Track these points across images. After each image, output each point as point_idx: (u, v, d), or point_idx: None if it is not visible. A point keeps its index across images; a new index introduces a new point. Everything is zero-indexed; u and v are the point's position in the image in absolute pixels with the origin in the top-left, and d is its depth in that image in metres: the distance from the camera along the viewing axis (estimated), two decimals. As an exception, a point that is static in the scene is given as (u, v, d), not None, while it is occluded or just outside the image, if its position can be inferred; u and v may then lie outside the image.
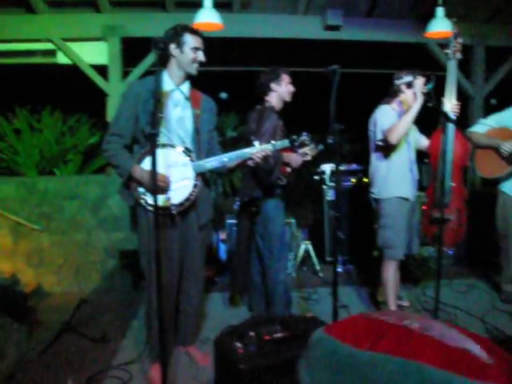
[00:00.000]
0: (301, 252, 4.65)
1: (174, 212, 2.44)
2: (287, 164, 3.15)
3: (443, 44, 2.93)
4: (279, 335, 2.04)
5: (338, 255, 4.68)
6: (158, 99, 2.09)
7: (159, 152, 2.39)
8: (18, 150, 4.84)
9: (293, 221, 4.64)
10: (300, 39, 4.96)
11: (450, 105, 2.89)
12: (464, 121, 4.54)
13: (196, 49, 2.49)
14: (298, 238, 4.73)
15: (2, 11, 4.49)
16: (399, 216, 3.18)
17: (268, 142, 2.58)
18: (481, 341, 0.66)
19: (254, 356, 1.90)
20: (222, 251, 4.70)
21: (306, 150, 3.01)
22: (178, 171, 2.43)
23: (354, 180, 4.89)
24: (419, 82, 3.08)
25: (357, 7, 4.84)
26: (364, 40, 5.03)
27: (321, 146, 3.05)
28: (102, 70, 4.65)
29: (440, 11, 4.14)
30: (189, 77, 2.57)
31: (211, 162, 2.49)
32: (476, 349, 0.59)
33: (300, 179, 5.12)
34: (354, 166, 5.00)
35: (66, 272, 4.34)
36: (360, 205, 4.05)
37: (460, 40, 2.81)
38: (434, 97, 2.93)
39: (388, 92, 3.27)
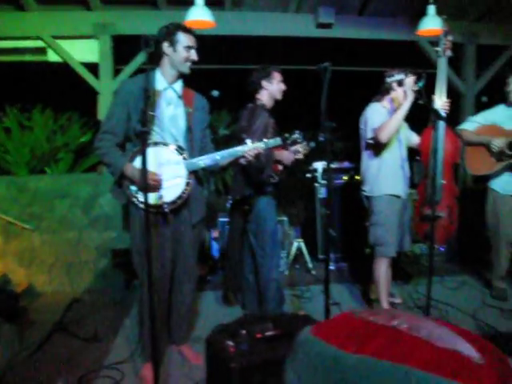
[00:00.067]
0: (293, 250, 4.66)
1: (166, 210, 2.44)
2: (279, 162, 3.15)
3: (434, 42, 2.94)
4: (271, 333, 2.04)
5: (330, 253, 4.68)
6: (148, 97, 2.08)
7: (151, 150, 2.39)
8: (9, 149, 4.80)
9: (285, 219, 4.65)
10: (292, 37, 4.96)
11: (441, 102, 2.90)
12: (455, 118, 4.56)
13: (189, 47, 2.49)
14: (290, 236, 4.74)
15: (-9, 8, 4.45)
16: (391, 213, 3.19)
17: (259, 139, 2.58)
18: (472, 339, 0.65)
19: (245, 354, 1.89)
20: (215, 249, 4.70)
21: (297, 147, 3.02)
22: (170, 169, 2.43)
23: (345, 178, 4.90)
24: (409, 80, 3.10)
25: (349, 5, 4.84)
26: (356, 38, 5.04)
27: (312, 144, 3.05)
28: (92, 68, 4.62)
29: (431, 9, 4.15)
30: (181, 75, 2.57)
31: (204, 160, 2.49)
32: (466, 348, 0.58)
33: (292, 177, 5.14)
34: (346, 164, 5.01)
35: (58, 271, 4.31)
36: (352, 202, 4.06)
37: (450, 38, 2.81)
38: (424, 94, 2.94)
39: (379, 90, 3.28)
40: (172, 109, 2.53)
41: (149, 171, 2.30)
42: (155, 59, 2.53)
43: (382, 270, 3.25)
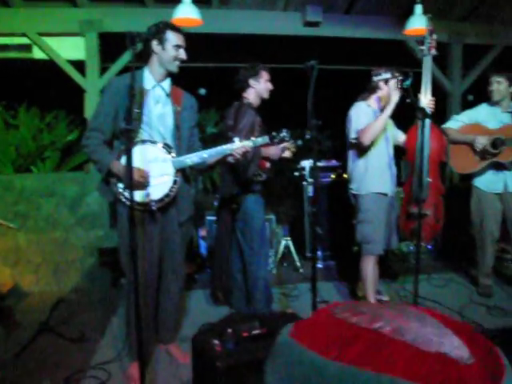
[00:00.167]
0: (281, 248, 4.66)
1: (153, 208, 2.44)
2: (266, 159, 3.15)
3: (421, 41, 2.96)
4: (258, 332, 2.04)
5: (317, 251, 4.69)
6: (133, 95, 2.07)
7: (139, 148, 2.40)
8: (-6, 147, 4.73)
9: (273, 217, 4.65)
10: (279, 35, 4.96)
11: (426, 100, 2.92)
12: (442, 117, 4.59)
13: (178, 46, 2.50)
14: (278, 235, 4.74)
15: (-26, 5, 4.38)
16: (378, 211, 3.21)
17: (246, 138, 2.59)
18: (461, 329, 0.63)
19: (231, 353, 1.89)
20: (203, 248, 4.69)
21: (285, 146, 3.03)
22: (157, 167, 2.43)
23: (333, 176, 4.91)
24: (393, 82, 3.11)
25: (336, 4, 4.84)
26: (343, 36, 5.04)
27: (300, 142, 3.05)
28: (79, 65, 4.57)
29: (418, 9, 4.17)
30: (170, 74, 2.57)
31: (191, 158, 2.49)
32: (455, 347, 0.56)
33: (280, 176, 5.14)
34: (333, 162, 5.02)
35: (44, 271, 4.27)
36: (340, 201, 4.08)
37: (435, 36, 2.84)
38: (412, 93, 2.96)
39: (366, 88, 3.29)
40: (160, 107, 2.54)
41: (135, 168, 2.30)
42: (144, 57, 2.53)
43: (370, 267, 3.26)
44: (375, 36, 5.09)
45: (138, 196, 2.39)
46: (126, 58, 4.62)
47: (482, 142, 3.49)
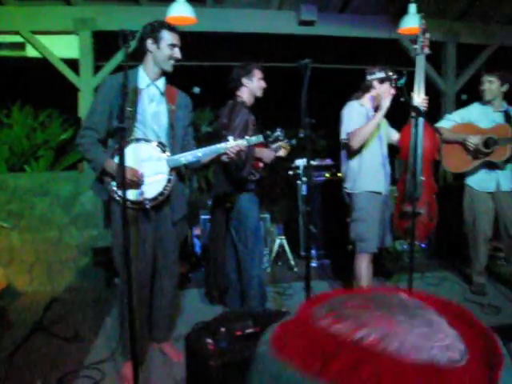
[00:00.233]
0: (275, 247, 4.67)
1: (147, 206, 2.44)
2: (260, 159, 3.15)
3: (414, 40, 2.97)
4: (251, 331, 2.04)
5: (311, 250, 4.70)
6: (126, 93, 2.06)
7: (133, 146, 2.40)
8: (-13, 146, 4.71)
9: (267, 216, 4.65)
10: (274, 34, 4.95)
11: (419, 99, 2.93)
12: (436, 116, 4.60)
13: (173, 45, 2.50)
14: (272, 233, 4.74)
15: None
16: (372, 210, 3.21)
17: (240, 136, 2.59)
18: (457, 316, 0.59)
19: (224, 352, 1.89)
20: (197, 247, 4.68)
21: (279, 145, 3.03)
22: (151, 166, 2.43)
23: (328, 175, 4.92)
24: (384, 89, 3.11)
25: (331, 3, 4.84)
26: (338, 35, 5.05)
27: (294, 142, 3.05)
28: (73, 64, 4.55)
29: (412, 8, 4.18)
30: (164, 73, 2.57)
31: (185, 157, 2.50)
32: (446, 347, 0.52)
33: (275, 174, 5.14)
34: (328, 161, 5.03)
35: (38, 271, 4.25)
36: (334, 200, 4.08)
37: (428, 35, 2.84)
38: (406, 92, 2.97)
39: (360, 87, 3.29)
40: (154, 106, 2.54)
41: (129, 167, 2.29)
42: (139, 56, 2.54)
43: (364, 265, 3.27)
44: (370, 35, 5.09)
45: (132, 194, 2.38)
46: (119, 56, 4.60)
47: (474, 141, 3.50)
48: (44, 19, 4.47)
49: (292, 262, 4.60)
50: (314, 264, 4.68)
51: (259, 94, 3.20)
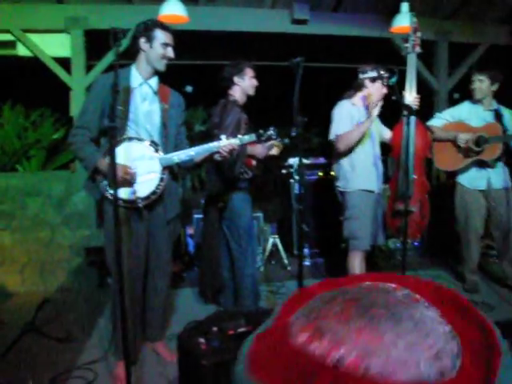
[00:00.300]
0: (269, 246, 4.66)
1: (140, 205, 2.43)
2: (252, 157, 3.14)
3: (405, 38, 2.97)
4: (243, 330, 2.04)
5: (304, 248, 4.70)
6: (116, 92, 2.05)
7: (125, 145, 2.39)
8: (-22, 146, 4.68)
9: (260, 215, 4.64)
10: (267, 33, 4.94)
11: (411, 98, 2.94)
12: (429, 115, 4.62)
13: (165, 45, 2.50)
14: (265, 232, 4.74)
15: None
16: (365, 207, 3.22)
17: (232, 135, 2.59)
18: (452, 304, 0.51)
19: (216, 351, 1.88)
20: (190, 246, 4.67)
21: (272, 144, 3.03)
22: (144, 164, 2.43)
23: (321, 173, 4.92)
24: (376, 87, 3.12)
25: (324, 1, 4.84)
26: (331, 34, 5.05)
27: (287, 141, 3.06)
28: (64, 63, 4.51)
29: (405, 7, 4.18)
30: (157, 72, 2.57)
31: (178, 156, 2.50)
32: (435, 357, 0.43)
33: (268, 173, 5.14)
34: (321, 160, 5.03)
35: (30, 271, 4.22)
36: (328, 198, 4.08)
37: (419, 34, 2.85)
38: (397, 90, 2.97)
39: (352, 86, 3.30)
40: (147, 105, 2.54)
41: (121, 165, 2.29)
42: (131, 55, 2.53)
43: (356, 263, 3.27)
44: (362, 34, 5.09)
45: (125, 193, 2.38)
46: (112, 55, 4.50)
47: (465, 140, 3.51)
48: (35, 17, 4.42)
49: (285, 261, 4.60)
50: (307, 263, 4.68)
51: (251, 92, 3.20)
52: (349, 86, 3.33)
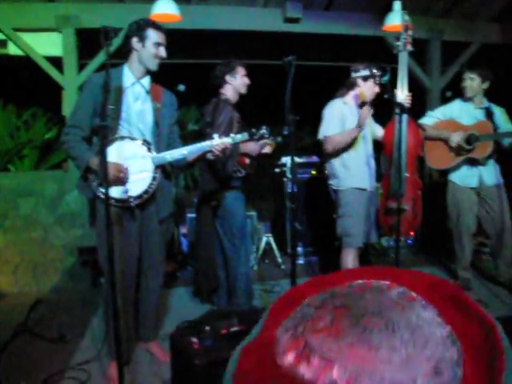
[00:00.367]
0: (262, 245, 4.66)
1: (132, 204, 2.43)
2: (246, 155, 3.14)
3: (397, 37, 2.98)
4: (236, 329, 2.04)
5: (298, 247, 4.70)
6: (107, 91, 2.04)
7: (118, 144, 2.39)
8: (-30, 146, 4.64)
9: (254, 214, 4.64)
10: (259, 31, 4.94)
11: (403, 96, 2.94)
12: (421, 113, 4.64)
13: (158, 44, 2.50)
14: (259, 231, 4.74)
15: None
16: (357, 205, 3.23)
17: (225, 134, 2.59)
18: (452, 302, 0.48)
19: (209, 351, 1.88)
20: (184, 245, 4.67)
21: (264, 142, 3.03)
22: (136, 163, 2.42)
23: (314, 172, 4.92)
24: (368, 85, 3.13)
25: (316, 0, 4.84)
26: (324, 33, 5.05)
27: (279, 139, 3.06)
28: (56, 62, 4.48)
29: (397, 5, 4.19)
30: (149, 71, 2.56)
31: (171, 155, 2.50)
32: (432, 372, 0.39)
33: (261, 172, 5.13)
34: (314, 158, 5.04)
35: (23, 271, 4.20)
36: (321, 196, 4.09)
37: (410, 32, 2.86)
38: (390, 88, 2.98)
39: (344, 84, 3.30)
40: (139, 104, 2.54)
41: (113, 163, 2.28)
42: (124, 54, 2.52)
43: (350, 260, 3.28)
44: (355, 32, 5.10)
45: (117, 192, 2.37)
46: (103, 54, 4.52)
47: (456, 138, 3.51)
48: (26, 16, 4.39)
49: (279, 260, 4.61)
50: (300, 261, 4.69)
51: (243, 90, 3.20)
52: (341, 84, 3.33)
